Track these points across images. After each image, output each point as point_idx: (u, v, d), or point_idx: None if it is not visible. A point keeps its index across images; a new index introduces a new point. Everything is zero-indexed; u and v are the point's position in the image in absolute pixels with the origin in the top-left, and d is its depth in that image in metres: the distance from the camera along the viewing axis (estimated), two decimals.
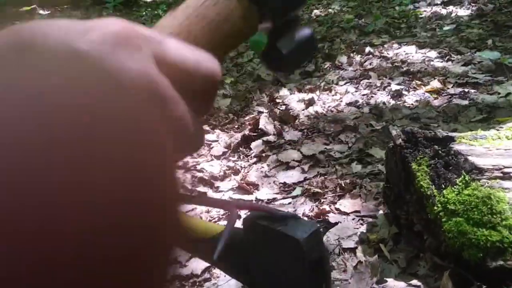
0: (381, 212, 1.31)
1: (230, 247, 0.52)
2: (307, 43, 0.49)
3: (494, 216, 0.97)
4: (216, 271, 1.18)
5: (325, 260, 0.47)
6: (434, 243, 1.06)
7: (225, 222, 0.51)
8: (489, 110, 1.85)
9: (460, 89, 2.07)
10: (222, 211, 1.44)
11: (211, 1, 0.45)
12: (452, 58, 2.47)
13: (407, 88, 2.17)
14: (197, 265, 1.21)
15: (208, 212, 1.45)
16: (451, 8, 3.49)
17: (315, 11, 4.03)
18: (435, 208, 1.02)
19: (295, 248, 0.45)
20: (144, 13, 4.93)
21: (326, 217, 1.32)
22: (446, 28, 3.01)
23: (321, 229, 1.20)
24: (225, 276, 1.13)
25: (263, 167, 1.68)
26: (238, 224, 0.50)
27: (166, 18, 0.47)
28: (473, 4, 3.48)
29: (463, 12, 3.33)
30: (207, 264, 1.19)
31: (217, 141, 1.92)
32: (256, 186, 1.57)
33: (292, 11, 0.48)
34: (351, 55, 2.74)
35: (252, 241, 0.49)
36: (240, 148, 1.85)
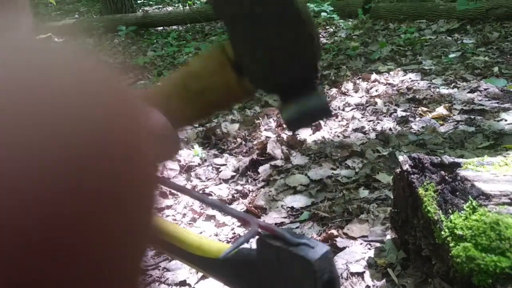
0: (388, 237, 1.31)
1: (243, 267, 0.54)
2: (314, 112, 0.51)
3: (503, 242, 0.97)
4: None
5: (336, 281, 0.48)
6: (442, 268, 1.06)
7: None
8: (495, 137, 1.86)
9: (466, 116, 2.09)
10: (230, 235, 1.45)
11: (206, 74, 0.51)
12: (458, 85, 2.50)
13: (413, 115, 2.20)
14: (206, 287, 1.22)
15: (216, 235, 1.46)
16: (456, 35, 3.55)
17: (322, 39, 4.11)
18: (443, 233, 1.02)
19: (307, 269, 0.47)
20: (155, 40, 5.04)
21: (334, 242, 1.33)
22: (451, 55, 3.06)
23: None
24: None
25: (270, 191, 1.70)
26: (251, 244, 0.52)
27: (166, 81, 0.55)
28: (478, 32, 3.53)
29: (468, 40, 3.39)
30: (218, 286, 1.20)
31: (225, 165, 1.95)
32: (264, 210, 1.58)
33: (279, 81, 0.50)
34: (357, 82, 2.78)
35: (264, 262, 0.51)
36: (248, 172, 1.87)
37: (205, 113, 0.57)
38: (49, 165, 0.17)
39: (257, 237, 0.50)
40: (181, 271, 1.29)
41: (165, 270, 1.32)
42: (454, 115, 2.13)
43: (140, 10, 7.17)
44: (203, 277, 1.25)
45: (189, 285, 1.25)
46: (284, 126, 0.54)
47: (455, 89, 2.45)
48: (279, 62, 0.48)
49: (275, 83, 0.50)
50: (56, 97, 0.19)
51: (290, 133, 2.15)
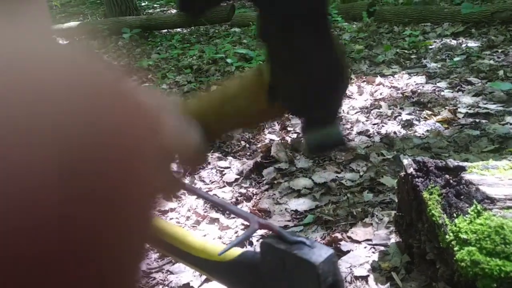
0: (393, 240, 1.31)
1: (247, 270, 0.54)
2: (332, 143, 0.56)
3: (508, 246, 0.97)
4: None
5: (340, 284, 0.48)
6: (447, 272, 1.05)
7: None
8: (501, 141, 1.85)
9: (471, 119, 2.09)
10: (234, 238, 1.45)
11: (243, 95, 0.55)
12: (463, 89, 2.49)
13: (417, 118, 2.19)
14: None
15: (220, 238, 1.46)
16: (461, 39, 3.54)
17: None
18: (447, 237, 1.02)
19: (311, 272, 0.47)
20: (159, 43, 5.06)
21: (338, 245, 1.32)
22: (456, 59, 3.05)
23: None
24: None
25: (274, 194, 1.70)
26: (256, 248, 0.52)
27: (203, 98, 0.59)
28: (483, 35, 3.52)
29: (473, 43, 3.38)
30: None
31: (229, 167, 1.95)
32: (268, 213, 1.58)
33: (313, 110, 0.54)
34: (362, 85, 2.78)
35: (268, 265, 0.51)
36: (252, 175, 1.87)
37: (234, 130, 0.65)
38: (49, 166, 0.17)
39: (261, 240, 0.50)
40: (185, 274, 1.29)
41: (168, 273, 1.32)
42: (459, 118, 2.13)
43: (145, 13, 7.20)
44: (206, 280, 1.25)
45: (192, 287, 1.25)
46: (307, 149, 0.58)
47: (460, 93, 2.44)
48: (318, 93, 0.52)
49: (309, 111, 0.54)
50: (56, 98, 0.19)
51: (294, 136, 2.15)
